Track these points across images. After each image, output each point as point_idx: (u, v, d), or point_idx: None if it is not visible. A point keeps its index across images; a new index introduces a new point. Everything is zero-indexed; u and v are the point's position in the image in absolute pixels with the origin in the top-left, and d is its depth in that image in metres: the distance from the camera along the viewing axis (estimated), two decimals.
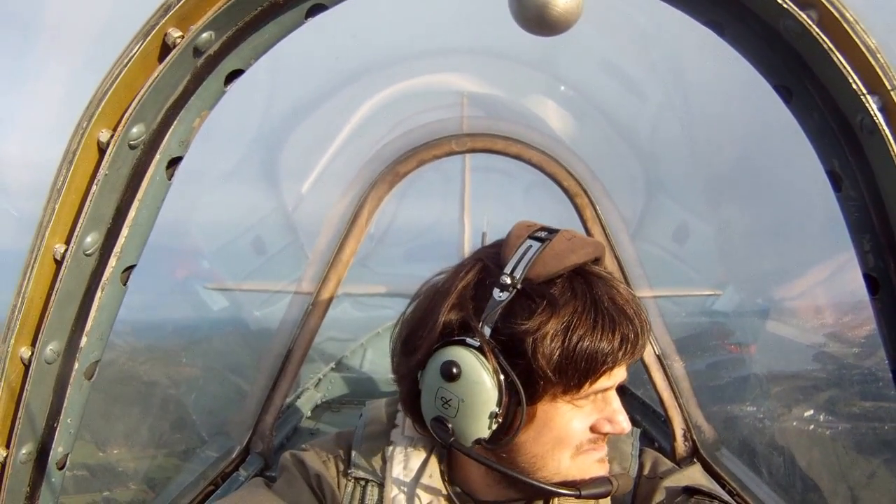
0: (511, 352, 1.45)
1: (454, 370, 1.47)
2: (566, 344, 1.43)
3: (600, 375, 1.48)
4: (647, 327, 1.53)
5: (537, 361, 1.43)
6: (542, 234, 1.53)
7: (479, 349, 1.46)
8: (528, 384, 1.46)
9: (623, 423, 1.54)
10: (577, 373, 1.45)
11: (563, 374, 1.45)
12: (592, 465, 1.56)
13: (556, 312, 1.44)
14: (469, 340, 1.48)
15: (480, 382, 1.45)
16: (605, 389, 1.54)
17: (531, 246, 1.50)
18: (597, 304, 1.47)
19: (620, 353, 1.47)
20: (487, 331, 1.47)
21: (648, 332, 1.54)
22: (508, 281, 1.46)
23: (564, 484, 1.53)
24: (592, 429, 1.54)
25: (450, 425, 1.52)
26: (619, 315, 1.47)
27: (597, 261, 1.59)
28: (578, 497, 1.51)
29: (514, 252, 1.51)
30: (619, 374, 1.53)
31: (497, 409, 1.46)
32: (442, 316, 1.54)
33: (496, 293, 1.47)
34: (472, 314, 1.50)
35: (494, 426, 1.48)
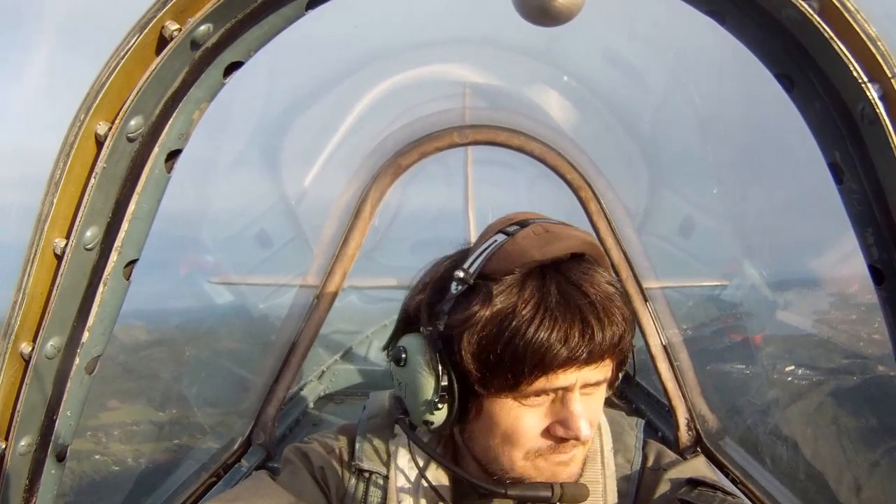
0: (448, 344, 1.49)
1: (401, 356, 1.58)
2: (493, 340, 1.43)
3: (538, 375, 1.42)
4: (611, 330, 1.43)
5: (462, 356, 1.46)
6: (512, 229, 1.51)
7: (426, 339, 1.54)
8: (462, 377, 1.49)
9: (580, 429, 1.45)
10: (506, 370, 1.43)
11: (491, 371, 1.45)
12: (553, 468, 1.53)
13: (486, 307, 1.43)
14: (422, 329, 1.55)
15: (419, 370, 1.53)
16: (561, 390, 1.47)
17: (496, 240, 1.50)
18: (542, 301, 1.41)
19: (563, 354, 1.40)
20: (444, 322, 1.52)
21: (617, 335, 1.44)
22: (461, 275, 1.49)
23: (498, 481, 1.56)
24: (549, 431, 1.50)
25: (404, 405, 1.64)
26: (569, 314, 1.40)
27: (578, 256, 1.52)
28: (505, 496, 1.54)
29: (480, 246, 1.53)
30: (575, 376, 1.45)
31: (434, 398, 1.51)
32: (409, 303, 1.65)
33: (453, 286, 1.51)
34: (427, 304, 1.57)
35: (436, 413, 1.54)
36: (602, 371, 1.49)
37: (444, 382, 1.50)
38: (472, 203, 7.93)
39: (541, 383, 1.43)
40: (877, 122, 1.03)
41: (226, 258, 5.56)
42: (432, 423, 1.56)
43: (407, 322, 1.66)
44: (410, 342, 1.57)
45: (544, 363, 1.40)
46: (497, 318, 1.42)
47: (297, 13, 1.21)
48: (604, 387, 1.55)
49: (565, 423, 1.46)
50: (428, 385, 1.52)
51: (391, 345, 1.68)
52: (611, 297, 1.45)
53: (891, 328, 1.18)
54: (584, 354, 1.41)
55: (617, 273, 3.58)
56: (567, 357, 1.40)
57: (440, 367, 1.50)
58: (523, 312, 1.41)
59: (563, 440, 1.49)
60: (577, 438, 1.47)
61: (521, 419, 1.48)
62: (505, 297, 1.43)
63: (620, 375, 1.64)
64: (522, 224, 1.52)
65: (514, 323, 1.40)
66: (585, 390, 1.49)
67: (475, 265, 1.49)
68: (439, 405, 1.52)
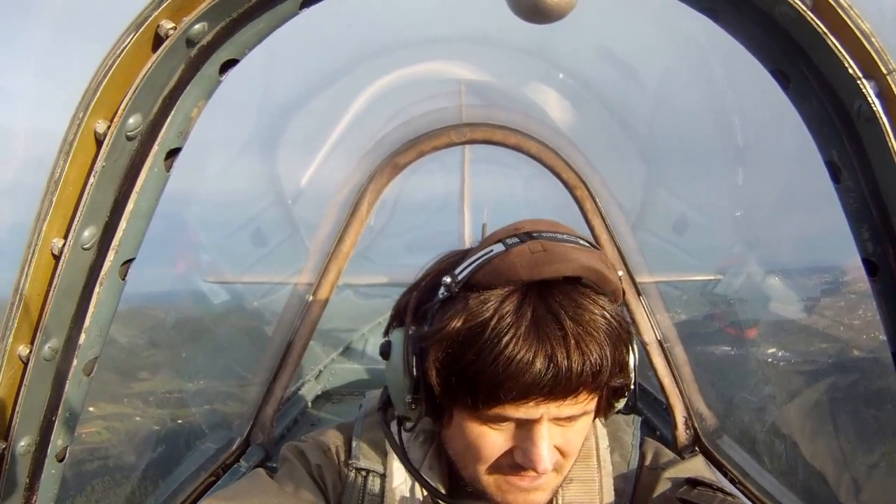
0: (423, 352, 1.46)
1: (387, 350, 1.58)
2: (456, 360, 1.38)
3: (492, 405, 1.36)
4: (582, 363, 1.31)
5: (427, 366, 1.43)
6: (511, 241, 1.43)
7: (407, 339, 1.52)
8: (429, 386, 1.46)
9: (538, 462, 1.38)
10: (466, 392, 1.38)
11: (450, 388, 1.41)
12: (516, 493, 1.49)
13: (460, 322, 1.37)
14: (405, 328, 1.54)
15: (397, 370, 1.53)
16: (523, 420, 1.39)
17: (492, 251, 1.42)
18: (511, 327, 1.32)
19: (518, 387, 1.31)
20: (425, 326, 1.48)
21: (590, 369, 1.32)
22: (448, 281, 1.44)
23: (452, 492, 1.63)
24: (512, 454, 1.44)
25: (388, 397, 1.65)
26: (536, 344, 1.31)
27: (574, 279, 1.39)
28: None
29: (476, 253, 1.46)
30: (541, 410, 1.36)
31: (409, 398, 1.51)
32: (401, 299, 1.63)
33: (440, 291, 1.47)
34: (414, 304, 1.55)
35: (410, 412, 1.54)
36: (578, 406, 1.40)
37: (414, 391, 1.49)
38: (468, 201, 7.94)
39: (498, 411, 1.37)
40: (873, 119, 1.03)
41: (222, 258, 5.55)
42: (409, 420, 1.59)
43: (397, 317, 1.62)
44: (396, 338, 1.55)
45: (499, 394, 1.33)
46: (463, 336, 1.36)
47: (292, 12, 1.21)
48: (586, 418, 1.47)
49: (525, 453, 1.40)
50: (404, 385, 1.50)
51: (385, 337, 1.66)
52: (594, 328, 1.34)
53: (885, 320, 1.19)
54: (546, 389, 1.32)
55: None
56: (525, 391, 1.32)
57: (414, 371, 1.47)
58: (489, 335, 1.33)
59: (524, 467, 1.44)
60: (535, 470, 1.40)
61: (484, 437, 1.44)
62: (476, 314, 1.36)
63: (618, 404, 1.58)
64: (523, 238, 1.42)
65: (476, 346, 1.34)
66: (559, 422, 1.43)
67: (464, 274, 1.43)
68: (413, 406, 1.51)
